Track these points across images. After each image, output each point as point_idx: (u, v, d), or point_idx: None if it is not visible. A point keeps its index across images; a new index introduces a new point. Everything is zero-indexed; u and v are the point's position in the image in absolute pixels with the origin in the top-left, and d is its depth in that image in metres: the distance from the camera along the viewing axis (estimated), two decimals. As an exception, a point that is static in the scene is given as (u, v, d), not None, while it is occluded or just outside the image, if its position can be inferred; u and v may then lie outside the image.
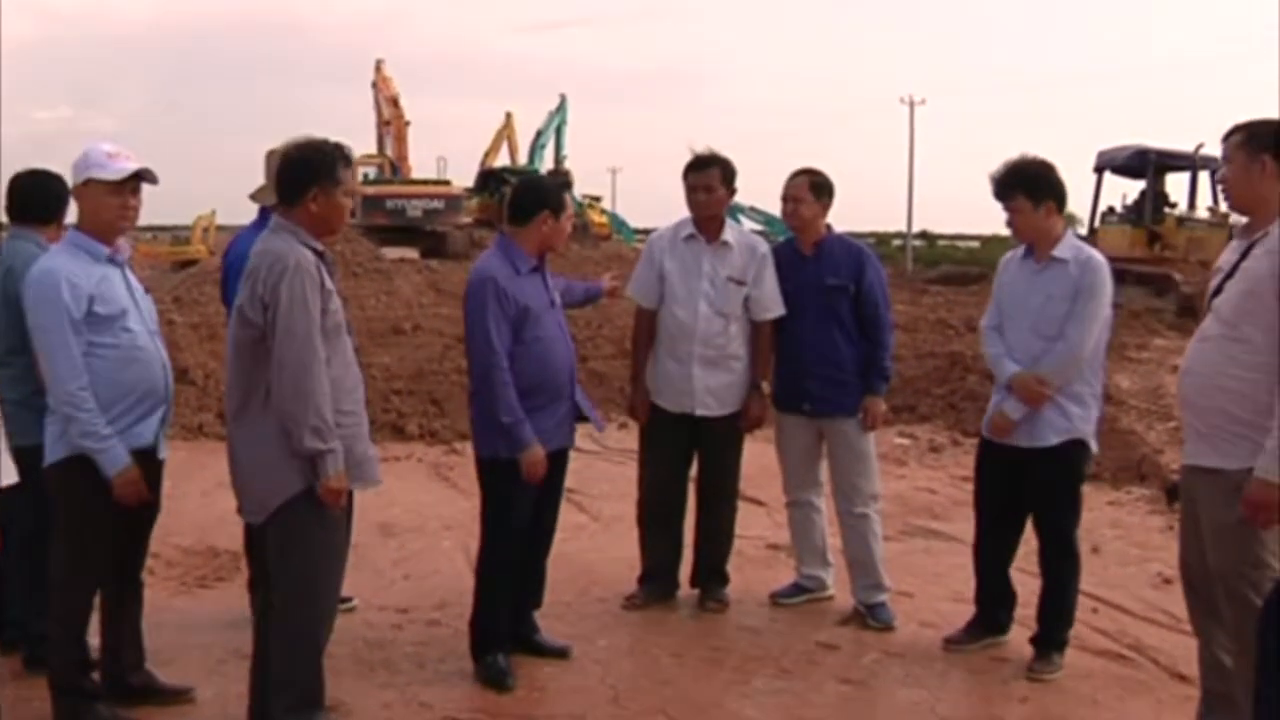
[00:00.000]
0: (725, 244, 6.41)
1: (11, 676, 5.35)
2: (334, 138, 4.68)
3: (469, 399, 5.77)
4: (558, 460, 5.66)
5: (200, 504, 8.30)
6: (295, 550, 4.52)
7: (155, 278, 29.74)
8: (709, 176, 6.37)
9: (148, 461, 4.84)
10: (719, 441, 6.48)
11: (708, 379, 6.35)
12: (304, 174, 4.55)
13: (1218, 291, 4.50)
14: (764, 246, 6.57)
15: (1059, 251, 5.67)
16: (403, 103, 49.71)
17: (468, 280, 5.58)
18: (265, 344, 4.40)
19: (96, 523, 4.68)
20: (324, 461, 4.39)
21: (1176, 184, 27.32)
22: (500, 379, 5.34)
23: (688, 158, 6.45)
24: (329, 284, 4.53)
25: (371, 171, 44.65)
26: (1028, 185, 5.69)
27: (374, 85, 50.65)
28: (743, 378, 6.44)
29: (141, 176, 4.81)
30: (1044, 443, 5.66)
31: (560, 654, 5.75)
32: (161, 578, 6.72)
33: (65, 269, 4.64)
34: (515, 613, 5.69)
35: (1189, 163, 25.60)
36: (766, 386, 6.61)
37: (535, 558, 5.78)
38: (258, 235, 5.37)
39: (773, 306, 6.44)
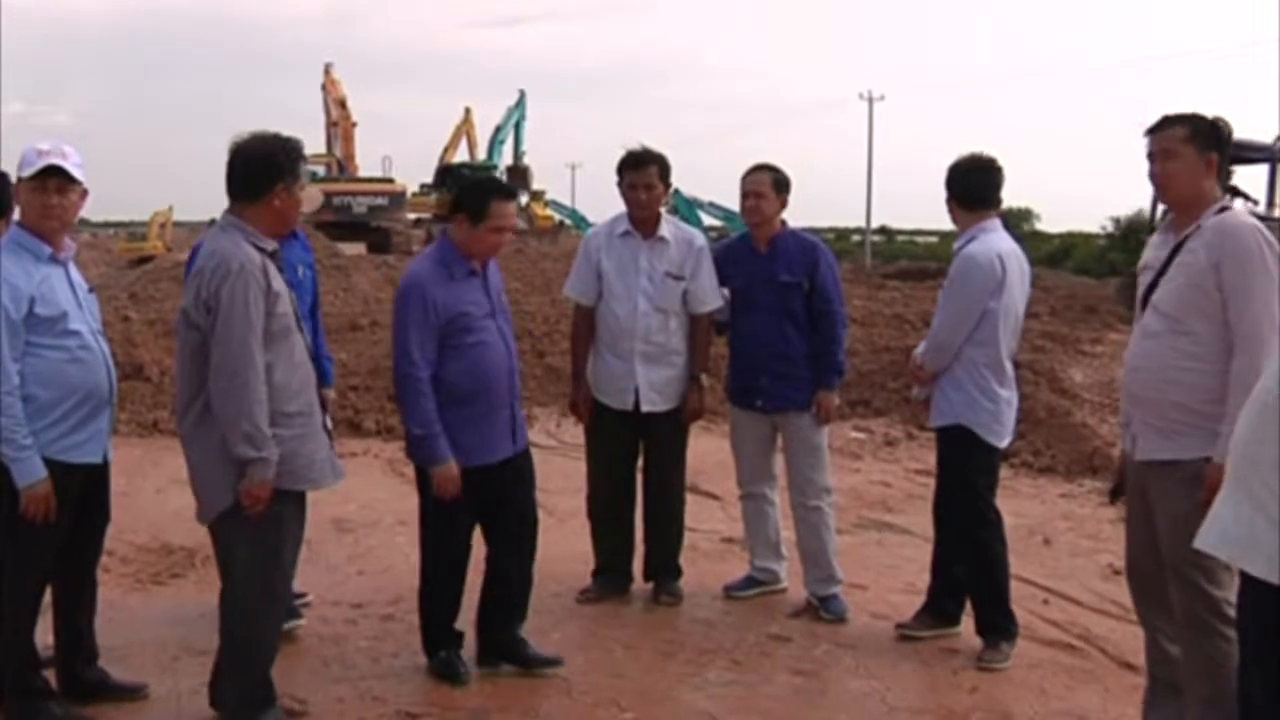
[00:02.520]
0: (662, 239, 6.42)
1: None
2: (284, 133, 4.69)
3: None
4: (516, 467, 5.56)
5: (154, 501, 8.28)
6: (239, 550, 4.59)
7: (112, 274, 29.54)
8: (648, 174, 6.37)
9: (95, 468, 4.86)
10: (664, 436, 6.50)
11: (650, 374, 6.36)
12: (269, 170, 4.54)
13: (1151, 288, 4.56)
14: (700, 240, 6.59)
15: (958, 243, 5.89)
16: (350, 104, 51.36)
17: (399, 286, 5.49)
18: (208, 347, 4.41)
19: (42, 524, 4.62)
20: (252, 468, 4.42)
21: (1249, 177, 23.15)
22: (415, 389, 5.25)
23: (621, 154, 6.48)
24: (276, 285, 4.52)
25: (320, 170, 45.26)
26: (956, 182, 5.90)
27: (323, 88, 52.33)
28: (684, 372, 6.47)
29: (50, 173, 4.68)
30: (931, 424, 5.97)
31: (552, 664, 5.57)
32: (116, 574, 6.70)
33: (5, 270, 4.57)
34: (500, 627, 5.60)
35: (1268, 155, 22.33)
36: (707, 379, 6.66)
37: (522, 569, 5.64)
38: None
39: (710, 299, 6.47)
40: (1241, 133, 4.85)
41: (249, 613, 4.65)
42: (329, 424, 5.99)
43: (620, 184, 6.45)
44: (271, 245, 4.59)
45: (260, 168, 4.55)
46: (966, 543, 5.88)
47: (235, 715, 4.72)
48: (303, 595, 6.22)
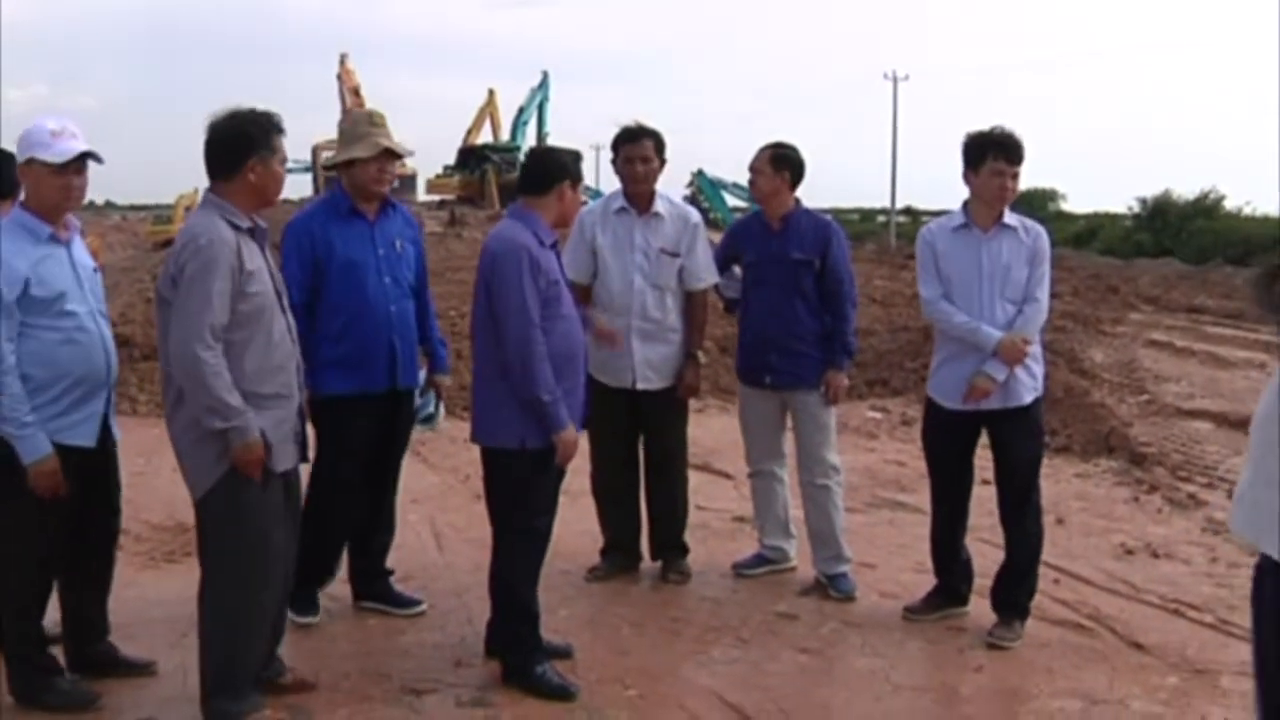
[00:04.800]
0: (657, 215, 6.41)
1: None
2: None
3: (478, 383, 5.27)
4: None
5: (171, 480, 8.21)
6: (221, 530, 4.57)
7: (138, 257, 29.69)
8: (644, 147, 6.38)
9: (98, 450, 4.83)
10: (662, 414, 6.49)
11: (646, 352, 6.35)
12: (242, 144, 4.51)
13: None
14: (695, 216, 6.60)
15: (1008, 219, 5.79)
16: (364, 92, 51.95)
17: (490, 250, 5.11)
18: None
19: (40, 502, 4.62)
20: (229, 437, 4.40)
21: None
22: (540, 353, 4.95)
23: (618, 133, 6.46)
24: (250, 264, 4.47)
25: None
26: (1024, 154, 5.79)
27: (338, 77, 53.64)
28: (682, 349, 6.46)
29: (87, 158, 4.71)
30: (1020, 402, 5.79)
31: (561, 655, 5.41)
32: (130, 552, 6.75)
33: (3, 250, 4.53)
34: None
35: None
36: (703, 356, 6.62)
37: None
38: (330, 204, 5.73)
39: (705, 276, 6.47)
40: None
41: (224, 598, 4.61)
42: (441, 408, 6.02)
43: (615, 159, 6.45)
44: (247, 222, 4.55)
45: (232, 143, 4.52)
46: (1037, 517, 5.89)
47: (210, 707, 4.63)
48: (418, 603, 6.11)
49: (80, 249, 4.85)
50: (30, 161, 4.64)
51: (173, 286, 4.39)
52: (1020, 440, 5.83)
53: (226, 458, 4.43)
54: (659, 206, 6.42)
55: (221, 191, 4.53)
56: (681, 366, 6.45)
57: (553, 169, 5.29)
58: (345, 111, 49.11)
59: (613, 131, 6.45)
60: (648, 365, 6.36)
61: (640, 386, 6.37)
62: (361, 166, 5.67)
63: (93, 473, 4.86)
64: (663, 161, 6.46)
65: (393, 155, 5.75)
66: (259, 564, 4.61)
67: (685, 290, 6.46)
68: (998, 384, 5.72)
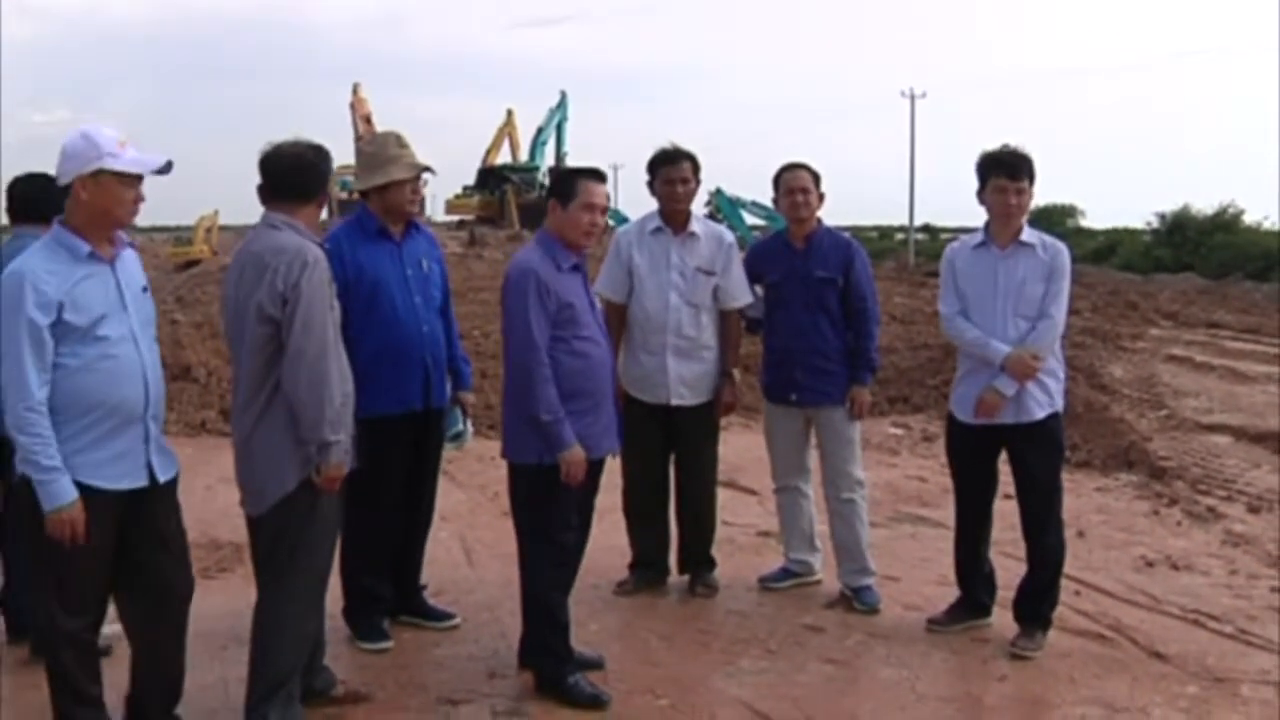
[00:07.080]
0: (693, 235, 6.52)
1: (17, 664, 5.51)
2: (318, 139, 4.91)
3: (505, 400, 5.43)
4: (595, 470, 5.45)
5: (204, 498, 8.42)
6: (288, 541, 4.67)
7: (160, 278, 29.89)
8: (683, 169, 6.50)
9: (142, 494, 4.41)
10: (695, 430, 6.59)
11: (681, 369, 6.46)
12: (320, 175, 4.82)
13: None
14: (730, 236, 6.70)
15: (1026, 237, 5.86)
16: (374, 120, 52.31)
17: (506, 273, 5.31)
18: (279, 339, 4.51)
19: (65, 548, 4.24)
20: (329, 451, 4.53)
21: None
22: (541, 374, 5.09)
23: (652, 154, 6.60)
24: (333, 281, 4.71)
25: (350, 179, 46.50)
26: (1033, 171, 5.88)
27: (351, 106, 54.33)
28: (715, 367, 6.56)
29: (167, 170, 4.44)
30: (1031, 418, 5.84)
31: (593, 666, 5.52)
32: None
33: (35, 273, 4.17)
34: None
35: None
36: (738, 374, 6.74)
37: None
38: (356, 226, 5.79)
39: (740, 295, 6.57)
40: None
41: (285, 606, 4.72)
42: (469, 425, 6.20)
43: (653, 181, 6.55)
44: (319, 239, 4.78)
45: (314, 172, 4.80)
46: (1058, 530, 5.96)
47: (256, 715, 4.70)
48: (451, 616, 6.24)
49: (129, 266, 4.47)
50: (99, 173, 4.24)
51: (282, 305, 4.48)
52: (1036, 455, 5.90)
53: (304, 469, 4.57)
54: (694, 226, 6.54)
55: (293, 213, 4.72)
56: (717, 384, 6.56)
57: (549, 191, 5.51)
58: (363, 135, 49.52)
59: (637, 153, 6.61)
60: (682, 382, 6.46)
61: (675, 403, 6.47)
62: (397, 188, 5.80)
63: (127, 520, 4.44)
64: (698, 182, 6.58)
65: (422, 173, 5.95)
66: (322, 574, 4.81)
67: (720, 309, 6.57)
68: (1006, 399, 5.80)
